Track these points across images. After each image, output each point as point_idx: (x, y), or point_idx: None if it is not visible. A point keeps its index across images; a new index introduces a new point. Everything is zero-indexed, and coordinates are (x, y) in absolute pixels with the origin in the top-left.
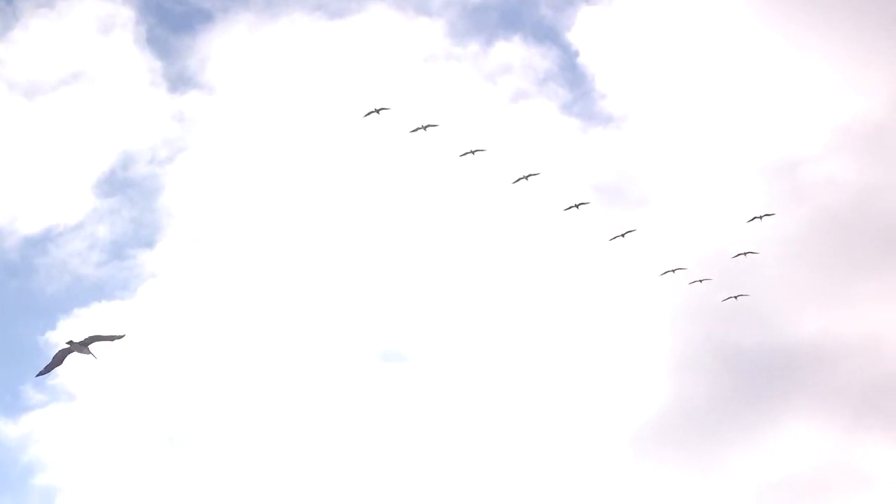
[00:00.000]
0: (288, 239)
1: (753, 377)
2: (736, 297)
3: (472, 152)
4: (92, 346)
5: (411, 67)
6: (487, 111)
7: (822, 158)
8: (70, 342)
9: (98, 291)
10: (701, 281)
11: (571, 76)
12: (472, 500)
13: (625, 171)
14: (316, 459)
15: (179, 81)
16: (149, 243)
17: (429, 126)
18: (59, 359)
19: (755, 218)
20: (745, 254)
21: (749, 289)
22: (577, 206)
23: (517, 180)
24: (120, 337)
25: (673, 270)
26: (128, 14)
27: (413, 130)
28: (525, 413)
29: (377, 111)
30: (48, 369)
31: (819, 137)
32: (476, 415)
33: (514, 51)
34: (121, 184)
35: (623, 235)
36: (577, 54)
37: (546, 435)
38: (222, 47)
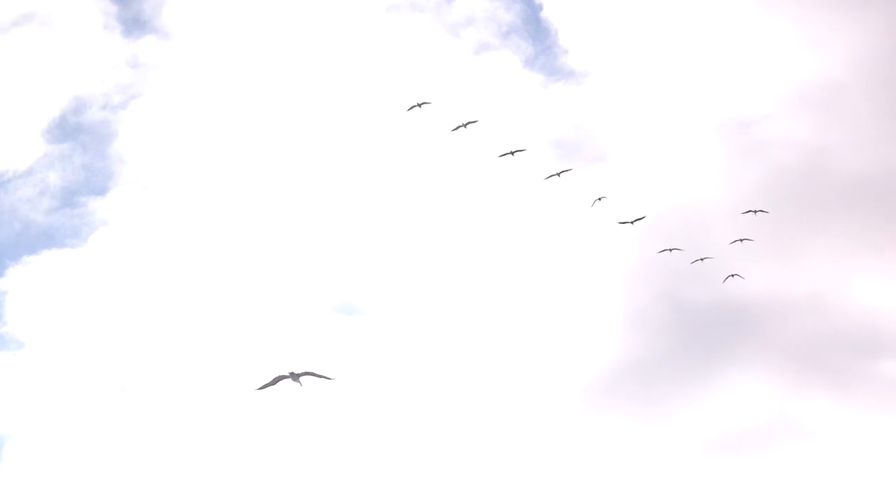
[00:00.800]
0: (242, 188)
1: (702, 333)
2: (732, 276)
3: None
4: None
5: (373, 18)
6: (450, 63)
7: (777, 118)
8: (291, 373)
9: (48, 239)
10: (702, 259)
11: (535, 30)
12: (426, 451)
13: (584, 127)
14: (266, 411)
15: (134, 25)
16: (101, 190)
17: (469, 123)
18: (275, 381)
19: (749, 211)
20: (741, 240)
21: (700, 245)
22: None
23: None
24: (330, 378)
25: (670, 250)
26: None
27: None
28: (480, 366)
29: (419, 105)
30: (264, 387)
31: (774, 97)
32: (432, 368)
33: (477, 3)
34: (72, 129)
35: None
36: (540, 8)
37: (501, 387)
38: None
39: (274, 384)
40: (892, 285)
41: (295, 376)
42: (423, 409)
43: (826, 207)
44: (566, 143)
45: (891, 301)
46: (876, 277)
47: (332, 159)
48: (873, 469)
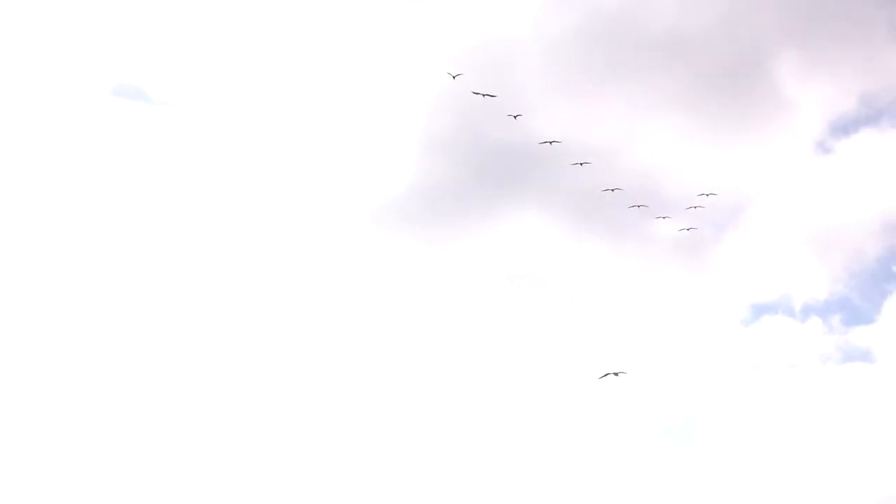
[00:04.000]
0: None
1: (497, 170)
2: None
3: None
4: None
5: None
6: None
7: None
8: (616, 373)
9: None
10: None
11: None
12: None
13: None
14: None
15: None
16: None
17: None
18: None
19: (693, 205)
20: (704, 196)
21: (506, 84)
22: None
23: None
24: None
25: (638, 206)
26: None
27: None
28: (273, 175)
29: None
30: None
31: None
32: (225, 168)
33: None
34: None
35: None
36: None
37: (286, 197)
38: None
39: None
40: (679, 146)
41: (616, 373)
42: (211, 210)
43: (632, 57)
44: None
45: (673, 161)
46: (665, 136)
47: None
48: (634, 310)
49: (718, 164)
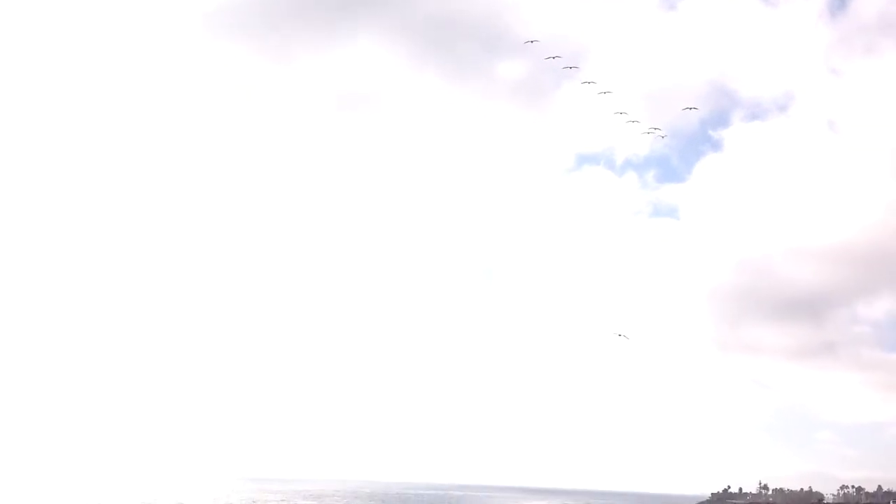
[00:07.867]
0: None
1: None
2: None
3: None
4: None
5: None
6: None
7: None
8: None
9: None
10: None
11: None
12: None
13: None
14: None
15: None
16: None
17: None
18: None
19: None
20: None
21: None
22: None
23: None
24: None
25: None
26: None
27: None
28: None
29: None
30: None
31: None
32: None
33: None
34: None
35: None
36: None
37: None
38: None
39: None
40: None
41: None
42: None
43: None
44: None
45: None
46: None
47: None
48: (466, 147)
49: (566, 4)
